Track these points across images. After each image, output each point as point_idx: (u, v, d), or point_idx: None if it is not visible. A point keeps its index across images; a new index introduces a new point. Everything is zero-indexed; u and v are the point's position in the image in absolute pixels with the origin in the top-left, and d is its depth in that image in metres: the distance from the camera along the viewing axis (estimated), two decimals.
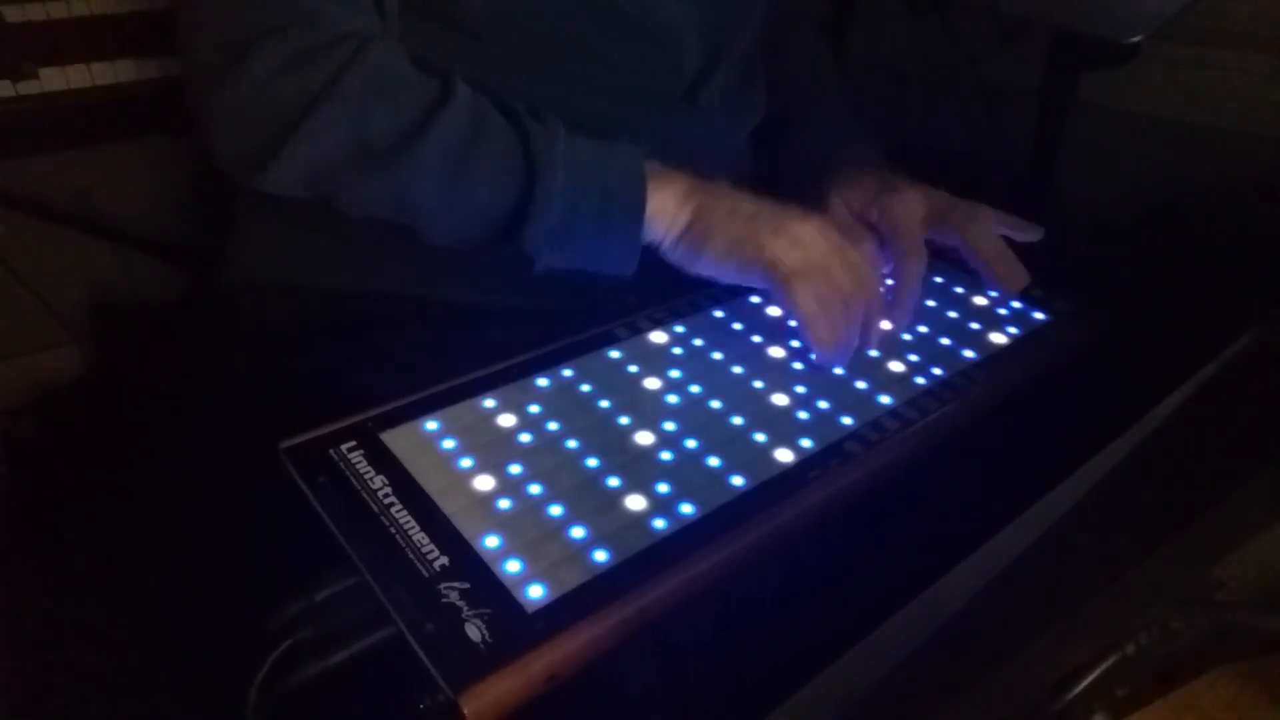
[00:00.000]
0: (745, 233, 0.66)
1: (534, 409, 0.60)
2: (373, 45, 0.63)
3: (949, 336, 0.71)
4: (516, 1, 0.68)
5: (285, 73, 0.60)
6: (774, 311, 0.72)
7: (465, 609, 0.45)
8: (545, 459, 0.56)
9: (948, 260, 0.79)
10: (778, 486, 0.55)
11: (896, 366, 0.67)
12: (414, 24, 0.69)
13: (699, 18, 0.77)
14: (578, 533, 0.50)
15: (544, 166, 0.64)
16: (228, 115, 0.62)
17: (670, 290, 0.72)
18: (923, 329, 0.72)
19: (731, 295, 0.73)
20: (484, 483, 0.53)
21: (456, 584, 0.46)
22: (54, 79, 0.91)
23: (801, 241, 0.65)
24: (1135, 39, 0.85)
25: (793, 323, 0.67)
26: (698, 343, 0.68)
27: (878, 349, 0.68)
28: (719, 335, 0.69)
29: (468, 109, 0.64)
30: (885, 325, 0.70)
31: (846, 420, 0.61)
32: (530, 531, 0.50)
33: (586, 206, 0.65)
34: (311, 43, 0.61)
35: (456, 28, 0.69)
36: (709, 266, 0.67)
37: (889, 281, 0.75)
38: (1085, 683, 0.47)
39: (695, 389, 0.63)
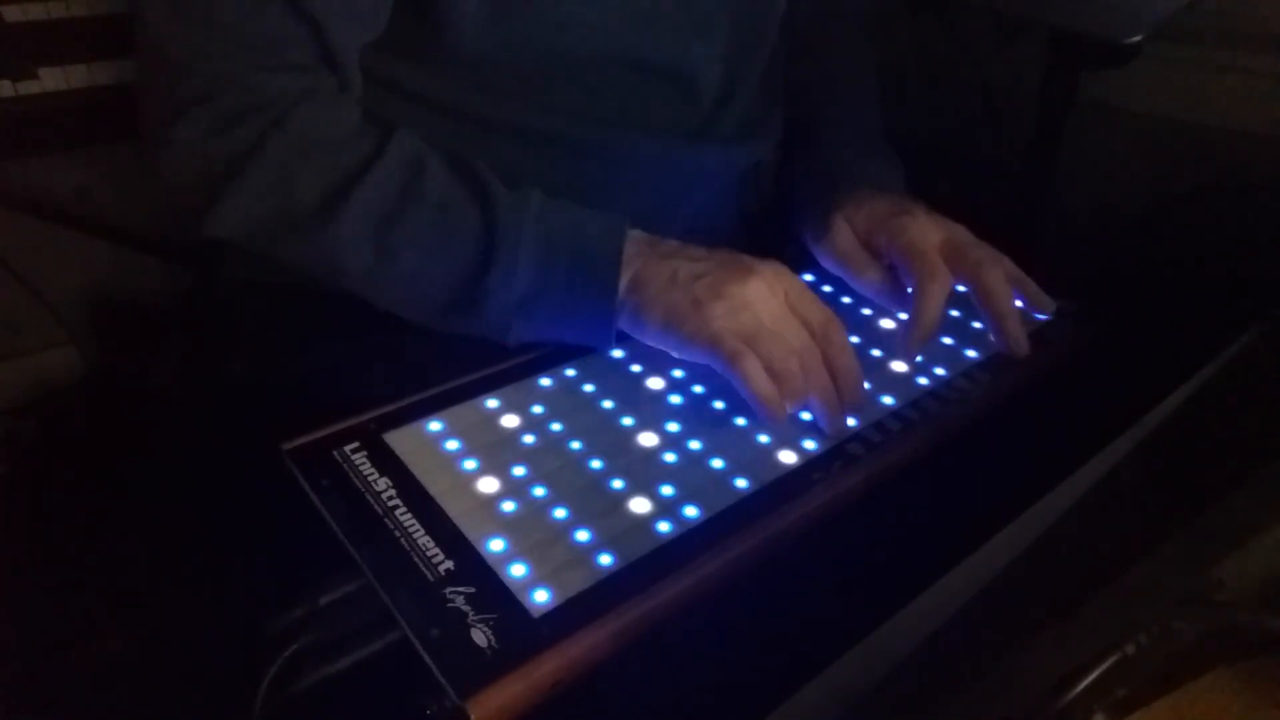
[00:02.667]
0: (683, 302, 0.61)
1: (537, 409, 0.60)
2: (302, 108, 0.62)
3: (951, 336, 0.71)
4: (518, 44, 0.66)
5: (211, 138, 0.60)
6: None
7: (471, 614, 0.45)
8: (549, 460, 0.56)
9: None
10: (781, 488, 0.55)
11: (898, 367, 0.67)
12: (404, 61, 0.68)
13: (719, 55, 0.75)
14: (582, 536, 0.51)
15: (507, 237, 0.62)
16: (164, 178, 0.62)
17: None
18: None
19: None
20: (488, 485, 0.54)
21: (462, 588, 0.46)
22: (54, 79, 0.91)
23: (747, 303, 0.60)
24: (1135, 39, 0.85)
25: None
26: None
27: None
28: None
29: (400, 170, 0.62)
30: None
31: (849, 421, 0.61)
32: (535, 535, 0.50)
33: (556, 279, 0.63)
34: (238, 108, 0.60)
35: (452, 64, 0.67)
36: (651, 339, 0.63)
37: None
38: (1085, 683, 0.48)
39: (698, 389, 0.63)
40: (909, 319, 0.67)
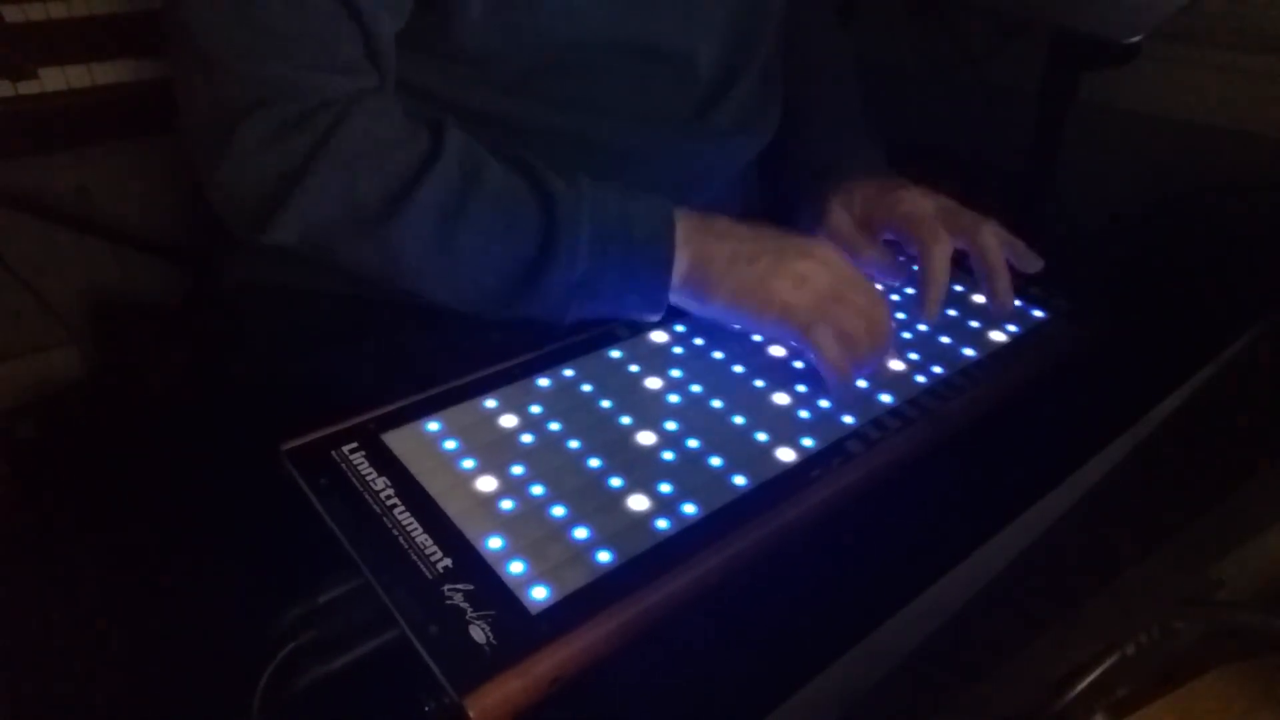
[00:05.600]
0: (749, 279, 0.65)
1: (535, 409, 0.60)
2: (358, 108, 0.62)
3: (949, 334, 0.71)
4: (520, 32, 0.67)
5: (270, 146, 0.60)
6: None
7: (469, 611, 0.45)
8: (547, 459, 0.56)
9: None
10: (780, 486, 0.55)
11: (897, 365, 0.67)
12: (409, 56, 0.68)
13: (718, 40, 0.76)
14: (581, 533, 0.50)
15: (566, 226, 0.63)
16: (223, 186, 0.62)
17: None
18: (922, 327, 0.72)
19: None
20: (486, 484, 0.53)
21: (460, 586, 0.46)
22: (54, 79, 0.91)
23: (808, 277, 0.65)
24: (1135, 39, 0.85)
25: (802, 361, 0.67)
26: (699, 341, 0.68)
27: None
28: (720, 334, 0.68)
29: (458, 166, 0.63)
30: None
31: (848, 419, 0.61)
32: (533, 532, 0.50)
33: (612, 260, 0.64)
34: (294, 114, 0.61)
35: (456, 58, 0.68)
36: (716, 314, 0.67)
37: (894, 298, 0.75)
38: (1085, 683, 0.47)
39: (696, 388, 0.63)
40: (920, 283, 0.71)
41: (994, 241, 0.72)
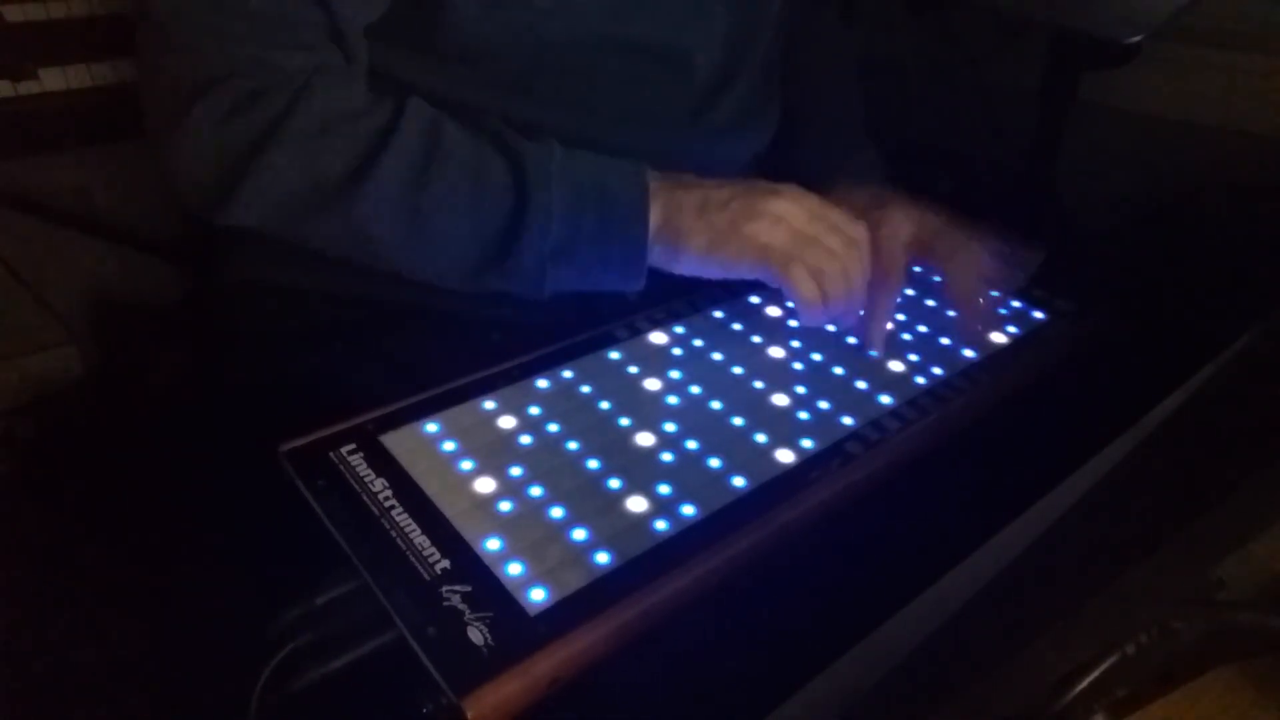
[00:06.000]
0: (722, 224, 0.64)
1: (534, 410, 0.59)
2: (317, 83, 0.62)
3: (949, 336, 0.71)
4: (515, 30, 0.67)
5: (228, 122, 0.60)
6: (774, 311, 0.72)
7: (467, 612, 0.45)
8: (546, 461, 0.56)
9: None
10: (779, 487, 0.55)
11: (896, 366, 0.67)
12: (406, 55, 0.68)
13: (715, 39, 0.76)
14: (579, 535, 0.50)
15: (537, 185, 0.63)
16: (179, 164, 0.62)
17: (670, 290, 0.71)
18: (922, 328, 0.72)
19: (731, 296, 0.73)
20: (485, 485, 0.53)
21: (458, 587, 0.46)
22: (54, 79, 0.91)
23: (781, 217, 0.64)
24: (1135, 39, 0.85)
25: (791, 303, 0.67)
26: (698, 343, 0.68)
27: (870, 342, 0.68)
28: (719, 336, 0.68)
29: (422, 133, 0.63)
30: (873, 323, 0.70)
31: (847, 420, 0.61)
32: (532, 534, 0.50)
33: (586, 224, 0.64)
34: (252, 90, 0.60)
35: (452, 56, 0.68)
36: (692, 265, 0.66)
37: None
38: (1085, 683, 0.48)
39: (695, 390, 0.63)
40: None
41: (968, 273, 0.71)
